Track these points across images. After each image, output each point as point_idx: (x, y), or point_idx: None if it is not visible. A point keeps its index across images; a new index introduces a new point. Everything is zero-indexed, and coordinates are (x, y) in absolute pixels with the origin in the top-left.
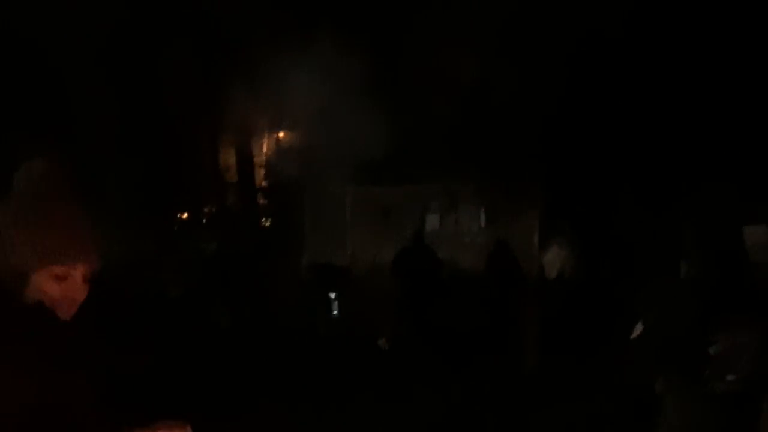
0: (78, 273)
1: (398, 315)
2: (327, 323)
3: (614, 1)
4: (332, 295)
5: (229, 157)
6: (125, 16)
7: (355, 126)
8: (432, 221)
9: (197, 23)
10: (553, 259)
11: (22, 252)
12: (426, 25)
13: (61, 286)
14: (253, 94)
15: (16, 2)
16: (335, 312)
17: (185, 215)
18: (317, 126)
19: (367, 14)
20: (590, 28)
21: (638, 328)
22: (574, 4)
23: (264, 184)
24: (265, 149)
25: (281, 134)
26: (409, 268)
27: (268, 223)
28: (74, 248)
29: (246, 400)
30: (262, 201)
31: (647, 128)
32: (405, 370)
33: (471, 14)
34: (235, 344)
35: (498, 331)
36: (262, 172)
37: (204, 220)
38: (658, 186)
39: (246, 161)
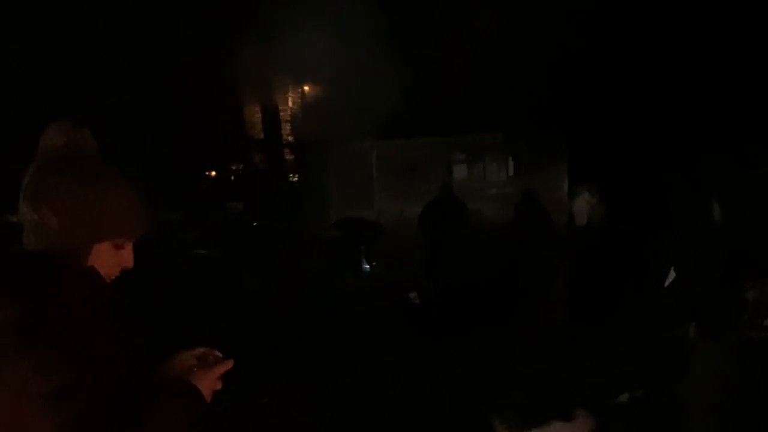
0: (131, 242)
1: (427, 268)
2: (356, 278)
3: None
4: (361, 250)
5: (254, 114)
6: None
7: (379, 79)
8: (459, 173)
9: None
10: (583, 207)
11: (91, 224)
12: None
13: (118, 255)
14: (275, 50)
15: None
16: (364, 267)
17: (213, 173)
18: (341, 80)
19: None
20: None
21: (671, 275)
22: None
23: (290, 139)
24: (289, 105)
25: (305, 89)
26: (437, 221)
27: (294, 179)
28: (137, 221)
29: (274, 358)
30: (288, 157)
31: (678, 72)
32: (435, 323)
33: None
34: (263, 301)
35: (527, 281)
36: (288, 128)
37: (231, 178)
38: (689, 131)
39: (271, 118)
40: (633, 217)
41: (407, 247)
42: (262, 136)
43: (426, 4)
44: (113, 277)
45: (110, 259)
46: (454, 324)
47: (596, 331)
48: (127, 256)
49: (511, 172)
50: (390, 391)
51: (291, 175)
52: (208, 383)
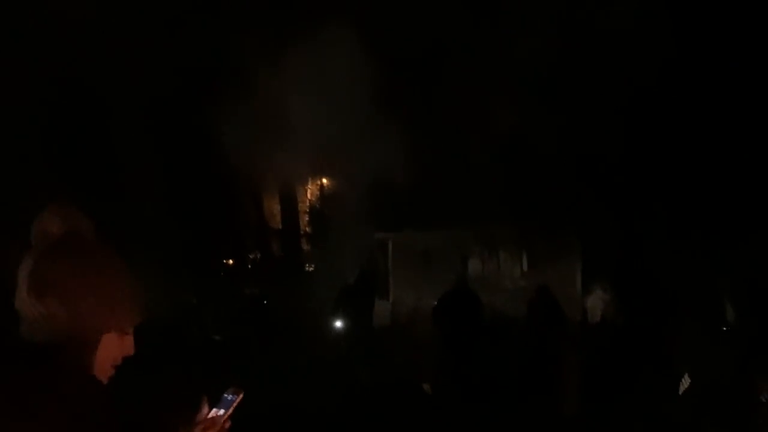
0: (132, 329)
1: (441, 360)
2: (370, 368)
3: (653, 50)
4: (375, 340)
5: (272, 205)
6: (170, 71)
7: (395, 172)
8: (473, 266)
9: (239, 76)
10: (596, 304)
11: (100, 313)
12: (466, 75)
13: (122, 342)
14: (293, 143)
15: (74, 53)
16: (378, 357)
17: (230, 261)
18: (358, 173)
19: (407, 65)
20: (630, 75)
21: (686, 381)
22: (612, 52)
23: (307, 230)
24: (308, 196)
25: (324, 181)
26: (452, 313)
27: (311, 269)
28: (140, 306)
29: None
30: (305, 247)
31: (689, 175)
32: (448, 414)
33: (509, 62)
34: (277, 388)
35: (540, 376)
36: (306, 218)
37: (248, 266)
38: (701, 234)
39: (290, 208)
40: (646, 314)
41: (421, 337)
42: (280, 226)
43: (442, 101)
44: (116, 366)
45: (116, 348)
46: (468, 415)
47: (607, 426)
48: (129, 343)
49: (525, 267)
50: None
51: (307, 264)
52: None
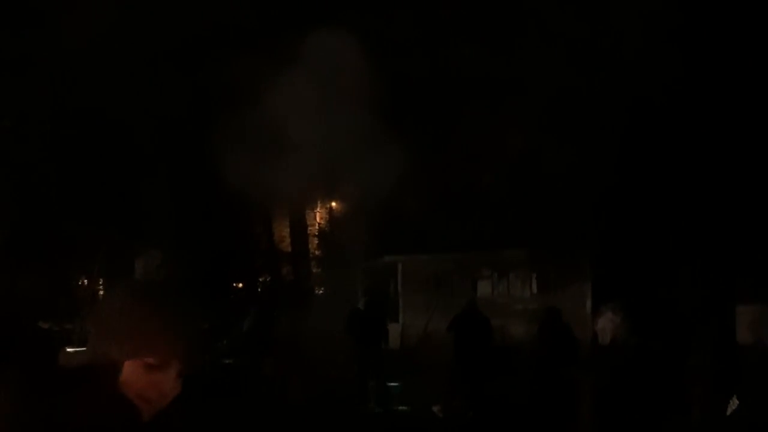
0: (173, 367)
1: (452, 381)
2: (380, 391)
3: (664, 76)
4: (385, 363)
5: (282, 229)
6: (180, 95)
7: (405, 196)
8: (483, 289)
9: (247, 99)
10: (607, 325)
11: (118, 341)
12: (477, 98)
13: (151, 376)
14: (302, 167)
15: (86, 81)
16: (388, 380)
17: (240, 285)
18: (368, 197)
19: (417, 88)
20: (641, 98)
21: (734, 403)
22: (623, 75)
23: (317, 253)
24: (318, 220)
25: (333, 205)
26: (462, 336)
27: (320, 292)
28: (166, 343)
29: None
30: (315, 270)
31: (701, 196)
32: None
33: (521, 86)
34: (287, 414)
35: (551, 399)
36: (315, 242)
37: (259, 290)
38: (714, 252)
39: (299, 232)
40: (658, 335)
41: (431, 360)
42: (290, 249)
43: (452, 123)
44: (151, 402)
45: (141, 378)
46: None
47: None
48: (164, 380)
49: (535, 289)
50: None
51: (317, 288)
52: None
